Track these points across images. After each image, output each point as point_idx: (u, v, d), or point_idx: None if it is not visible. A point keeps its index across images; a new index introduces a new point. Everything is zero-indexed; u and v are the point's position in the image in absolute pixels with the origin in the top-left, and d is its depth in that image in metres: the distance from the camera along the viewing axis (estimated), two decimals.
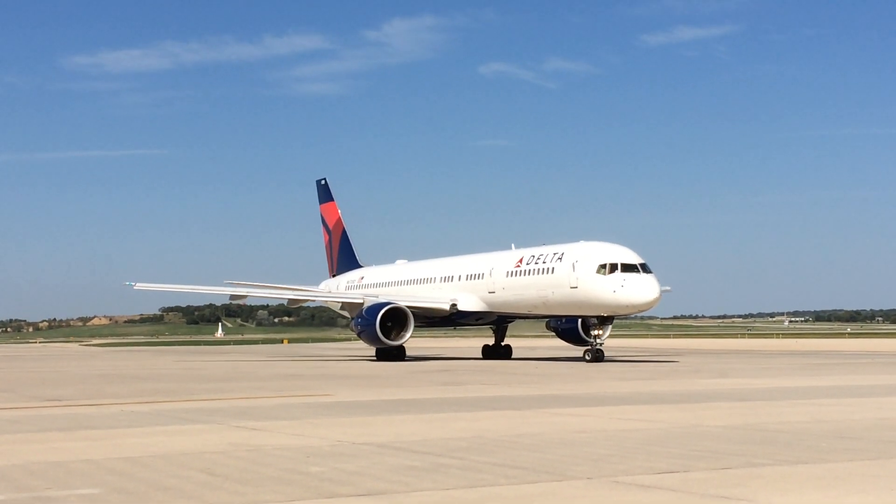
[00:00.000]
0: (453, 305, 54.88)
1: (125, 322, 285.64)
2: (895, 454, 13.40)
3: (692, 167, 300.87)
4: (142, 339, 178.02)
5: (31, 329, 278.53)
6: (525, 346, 72.83)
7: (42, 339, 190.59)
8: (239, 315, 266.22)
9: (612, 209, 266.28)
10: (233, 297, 65.20)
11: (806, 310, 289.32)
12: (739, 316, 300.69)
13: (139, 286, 59.41)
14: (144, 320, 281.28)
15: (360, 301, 56.49)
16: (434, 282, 58.33)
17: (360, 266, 70.40)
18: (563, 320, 54.22)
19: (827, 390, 26.83)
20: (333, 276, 72.23)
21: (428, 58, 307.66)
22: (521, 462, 12.90)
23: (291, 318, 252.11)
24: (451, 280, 56.76)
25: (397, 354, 54.46)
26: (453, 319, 56.67)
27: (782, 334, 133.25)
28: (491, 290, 53.20)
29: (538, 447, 14.47)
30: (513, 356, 57.56)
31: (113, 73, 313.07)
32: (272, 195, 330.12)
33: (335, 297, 64.48)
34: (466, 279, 55.50)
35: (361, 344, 79.56)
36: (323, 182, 75.15)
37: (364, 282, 65.77)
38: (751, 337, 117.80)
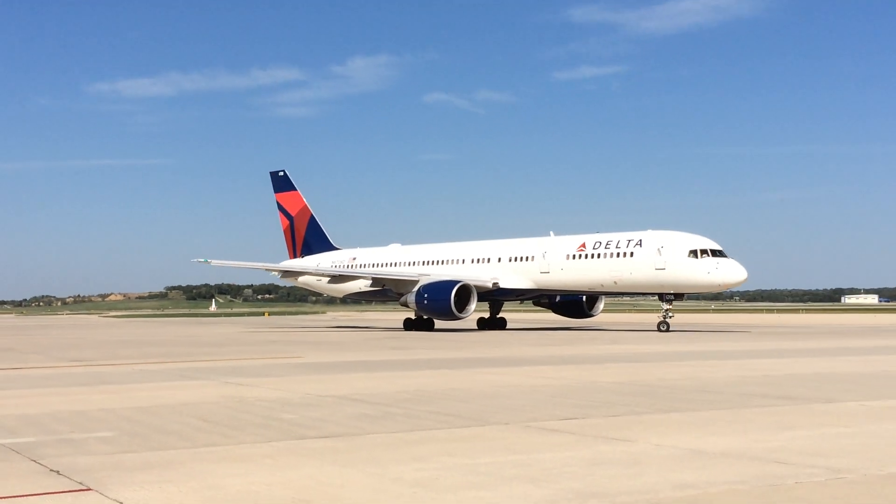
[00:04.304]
0: (495, 283, 49.81)
1: (136, 298, 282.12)
2: (747, 404, 13.59)
3: (593, 177, 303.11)
4: (150, 311, 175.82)
5: (59, 304, 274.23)
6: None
7: (68, 312, 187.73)
8: (229, 293, 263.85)
9: (531, 208, 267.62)
10: (284, 274, 61.03)
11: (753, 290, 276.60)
12: None
13: (214, 262, 55.84)
14: (152, 297, 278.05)
15: (415, 279, 50.56)
16: (462, 262, 52.70)
17: (334, 248, 63.76)
18: (555, 297, 51.64)
19: (693, 354, 27.03)
20: (298, 257, 65.33)
21: (383, 88, 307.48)
22: (453, 411, 12.95)
23: (272, 296, 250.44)
24: (488, 261, 51.32)
25: (427, 326, 50.61)
26: (492, 296, 51.45)
27: (712, 309, 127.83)
28: (544, 271, 48.45)
29: (467, 399, 14.53)
30: (507, 327, 53.45)
31: (128, 98, 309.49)
32: (256, 195, 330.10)
33: (386, 274, 54.27)
34: (510, 261, 50.28)
35: (328, 317, 77.70)
36: (281, 173, 67.31)
37: (358, 262, 59.26)
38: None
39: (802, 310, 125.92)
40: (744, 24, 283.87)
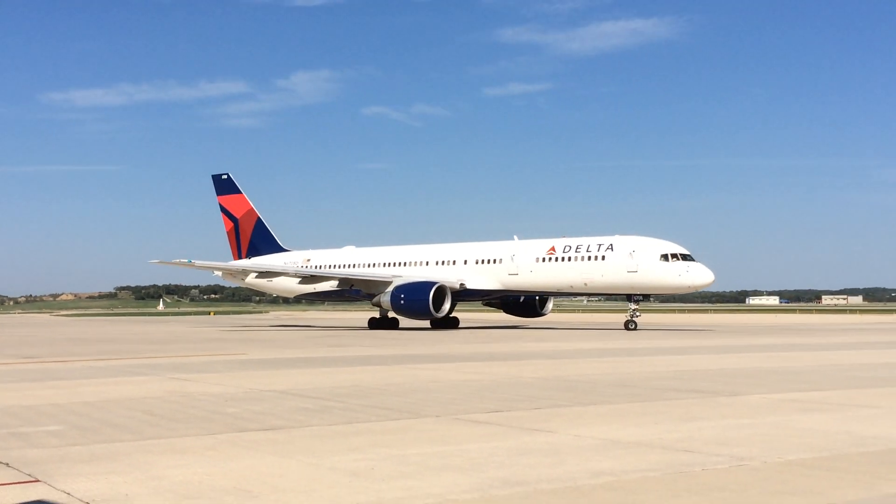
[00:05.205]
0: (462, 284, 48.61)
1: (87, 298, 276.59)
2: (660, 397, 13.78)
3: (520, 186, 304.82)
4: (100, 311, 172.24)
5: (11, 303, 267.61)
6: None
7: (20, 311, 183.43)
8: (176, 293, 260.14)
9: (464, 216, 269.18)
10: (260, 274, 56.14)
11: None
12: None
13: (198, 263, 53.81)
14: (102, 296, 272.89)
15: (388, 280, 49.23)
16: (426, 264, 51.30)
17: (283, 250, 60.89)
18: (520, 297, 51.22)
19: (612, 351, 27.32)
20: (244, 258, 62.12)
21: (324, 101, 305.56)
22: (388, 404, 12.93)
23: (217, 295, 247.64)
24: (454, 263, 50.24)
25: (392, 325, 49.86)
26: (459, 297, 49.34)
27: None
28: (513, 273, 47.71)
29: (401, 393, 14.51)
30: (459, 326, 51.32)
31: (80, 107, 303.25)
32: (201, 200, 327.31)
33: (357, 275, 51.93)
34: (477, 263, 49.35)
35: (270, 316, 75.78)
36: (225, 177, 63.86)
37: (312, 263, 56.78)
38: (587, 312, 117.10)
39: (711, 310, 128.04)
40: (660, 47, 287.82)
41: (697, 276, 43.29)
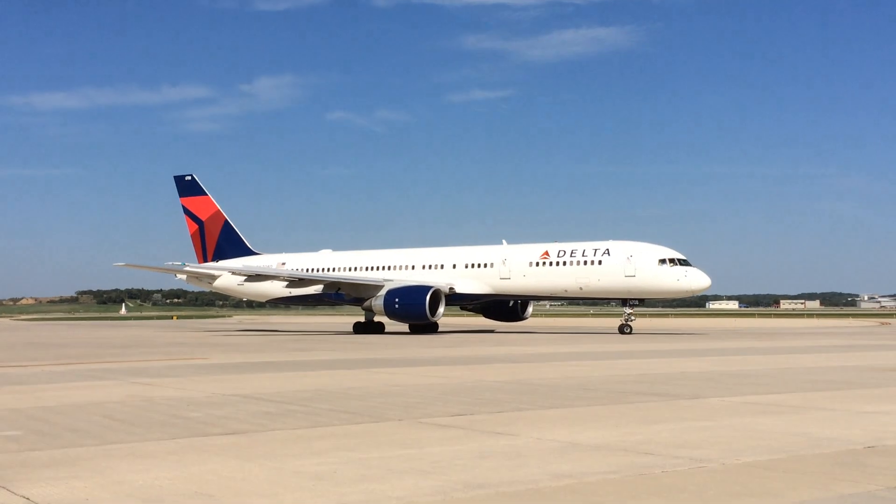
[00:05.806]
0: (451, 289, 47.94)
1: (48, 302, 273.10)
2: (620, 401, 13.85)
3: (480, 195, 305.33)
4: (61, 315, 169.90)
5: None
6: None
7: None
8: (139, 297, 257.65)
9: (431, 220, 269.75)
10: (249, 278, 53.03)
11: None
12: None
13: (189, 267, 53.47)
14: (64, 301, 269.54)
15: (380, 284, 48.25)
16: (412, 269, 50.56)
17: (253, 253, 59.48)
18: (508, 302, 50.96)
19: (575, 355, 27.41)
20: (209, 261, 60.31)
21: (288, 106, 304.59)
22: (351, 408, 12.88)
23: (180, 300, 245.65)
24: (442, 268, 49.58)
25: (378, 329, 49.23)
26: (450, 301, 48.37)
27: (591, 314, 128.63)
28: (505, 277, 47.33)
29: (363, 397, 14.46)
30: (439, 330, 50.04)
31: (41, 111, 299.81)
32: (164, 203, 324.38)
33: (346, 279, 50.87)
34: (466, 267, 48.80)
35: (234, 320, 74.94)
36: (188, 178, 61.92)
37: (288, 266, 55.08)
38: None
39: (671, 314, 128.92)
40: (619, 55, 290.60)
41: (695, 280, 43.76)
